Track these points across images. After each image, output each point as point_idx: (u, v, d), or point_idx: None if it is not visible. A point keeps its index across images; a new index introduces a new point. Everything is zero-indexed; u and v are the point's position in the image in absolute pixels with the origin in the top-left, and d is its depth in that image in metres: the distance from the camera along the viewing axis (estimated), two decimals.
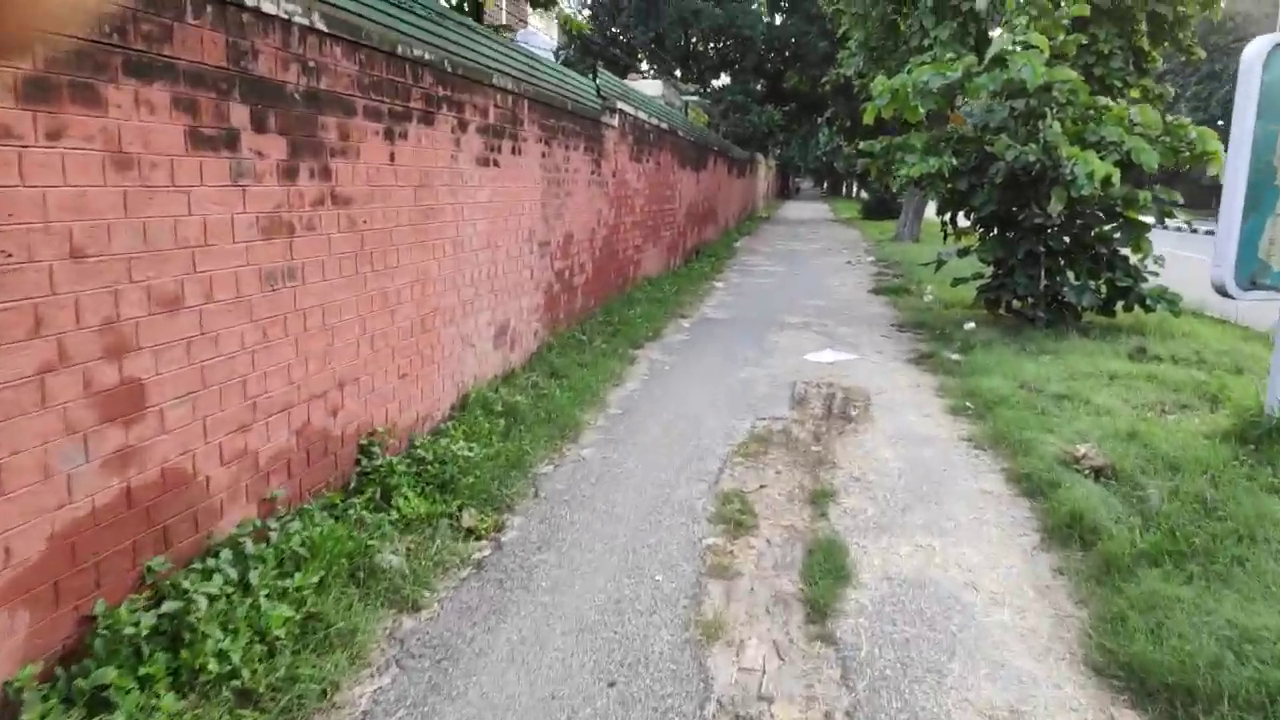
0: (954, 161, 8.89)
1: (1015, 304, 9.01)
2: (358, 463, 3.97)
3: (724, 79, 34.38)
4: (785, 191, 64.34)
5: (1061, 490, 4.24)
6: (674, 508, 4.19)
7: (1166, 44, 16.77)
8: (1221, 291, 4.70)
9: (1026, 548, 3.83)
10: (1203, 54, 14.00)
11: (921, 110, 9.38)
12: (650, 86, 21.16)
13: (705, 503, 4.27)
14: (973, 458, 5.05)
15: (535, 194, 6.60)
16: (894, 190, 15.32)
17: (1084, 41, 11.80)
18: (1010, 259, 8.92)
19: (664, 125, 12.43)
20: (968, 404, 6.06)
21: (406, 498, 3.77)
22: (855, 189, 55.89)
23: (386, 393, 4.29)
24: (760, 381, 6.86)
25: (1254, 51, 4.46)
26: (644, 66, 32.85)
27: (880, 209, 31.71)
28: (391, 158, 4.26)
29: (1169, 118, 8.50)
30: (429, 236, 4.71)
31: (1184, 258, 12.31)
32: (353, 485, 3.85)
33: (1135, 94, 15.76)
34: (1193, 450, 4.68)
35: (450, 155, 4.97)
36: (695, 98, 25.11)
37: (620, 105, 9.55)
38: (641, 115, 10.82)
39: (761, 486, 4.53)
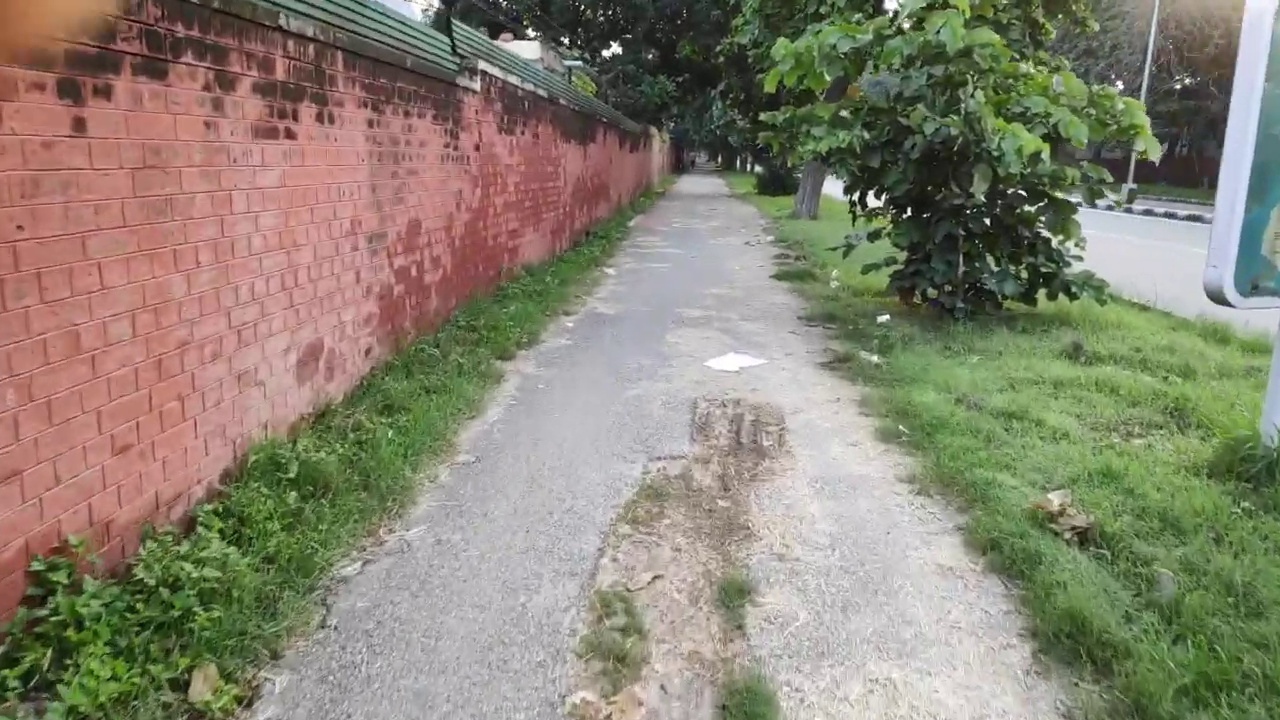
0: (865, 135, 7.86)
1: (931, 292, 8.10)
2: (26, 603, 2.54)
3: (614, 48, 32.96)
4: (680, 166, 63.82)
5: (1044, 569, 3.22)
6: (529, 632, 2.93)
7: (1061, 15, 16.44)
8: (1218, 298, 3.76)
9: (1018, 672, 2.76)
10: (1096, 25, 13.57)
11: (827, 77, 8.31)
12: (526, 49, 19.45)
13: (575, 617, 3.02)
14: (919, 510, 3.99)
15: (360, 173, 5.14)
16: (792, 165, 14.31)
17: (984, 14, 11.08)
18: (927, 243, 8.00)
19: (542, 92, 10.99)
20: (901, 428, 5.03)
21: (94, 663, 2.37)
22: (750, 163, 55.54)
23: (87, 482, 2.84)
24: (655, 400, 5.66)
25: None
26: (530, 33, 31.08)
27: (776, 184, 31.10)
28: (80, 125, 2.78)
29: (1094, 87, 7.71)
30: (167, 241, 3.24)
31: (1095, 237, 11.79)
32: (6, 648, 2.42)
33: (1031, 66, 15.38)
34: (1184, 496, 3.76)
35: (204, 123, 3.49)
36: (580, 64, 23.50)
37: (483, 66, 8.09)
38: (513, 80, 9.37)
39: (655, 578, 3.32)
